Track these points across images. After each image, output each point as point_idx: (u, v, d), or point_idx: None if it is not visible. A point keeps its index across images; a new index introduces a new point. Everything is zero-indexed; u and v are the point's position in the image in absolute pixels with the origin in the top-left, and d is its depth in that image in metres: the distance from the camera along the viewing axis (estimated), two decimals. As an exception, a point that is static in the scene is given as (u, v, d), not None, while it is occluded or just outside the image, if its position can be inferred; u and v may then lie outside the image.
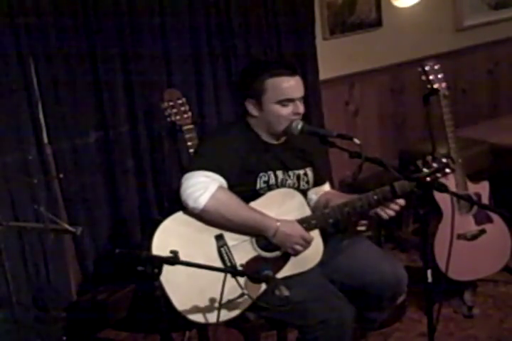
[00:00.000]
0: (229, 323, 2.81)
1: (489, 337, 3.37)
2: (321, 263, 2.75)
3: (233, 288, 2.38)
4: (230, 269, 2.43)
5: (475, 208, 3.48)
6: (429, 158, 2.70)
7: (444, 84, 3.42)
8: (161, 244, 2.55)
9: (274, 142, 2.76)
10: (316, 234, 2.72)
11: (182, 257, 2.28)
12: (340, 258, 2.80)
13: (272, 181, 2.73)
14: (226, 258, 2.60)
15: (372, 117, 4.70)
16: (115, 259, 2.20)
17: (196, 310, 2.55)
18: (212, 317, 2.56)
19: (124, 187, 3.69)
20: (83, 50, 3.48)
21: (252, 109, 2.68)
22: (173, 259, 2.20)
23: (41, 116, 3.44)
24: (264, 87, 2.62)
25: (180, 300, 2.54)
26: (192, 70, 3.82)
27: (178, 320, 2.55)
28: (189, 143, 3.16)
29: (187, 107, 3.20)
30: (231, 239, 2.63)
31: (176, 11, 3.68)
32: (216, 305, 2.50)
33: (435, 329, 2.59)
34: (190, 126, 3.18)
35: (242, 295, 2.49)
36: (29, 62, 3.35)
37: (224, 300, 2.44)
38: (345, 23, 4.40)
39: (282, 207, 2.68)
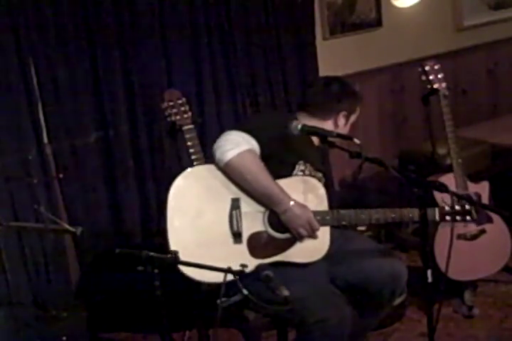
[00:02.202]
0: (229, 323, 2.81)
1: (489, 337, 3.37)
2: (326, 259, 2.77)
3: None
4: (231, 270, 2.43)
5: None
6: (455, 198, 2.73)
7: (444, 84, 3.42)
8: (182, 186, 2.63)
9: (315, 143, 2.90)
10: (325, 231, 2.73)
11: (194, 206, 2.51)
12: (340, 254, 2.81)
13: (307, 172, 2.80)
14: (234, 221, 2.64)
15: (372, 117, 4.70)
16: (115, 259, 2.20)
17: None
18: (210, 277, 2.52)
19: (124, 187, 3.69)
20: (83, 50, 3.48)
21: (340, 120, 2.92)
22: (173, 259, 2.20)
23: (41, 116, 3.44)
24: (356, 108, 2.97)
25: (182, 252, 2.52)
26: (192, 70, 3.82)
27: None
28: (189, 143, 3.16)
29: (187, 107, 3.20)
30: (246, 205, 2.67)
31: (176, 10, 3.68)
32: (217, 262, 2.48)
33: (435, 329, 2.59)
34: (190, 126, 3.17)
35: None
36: (29, 62, 3.35)
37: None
38: (345, 23, 4.40)
39: (304, 194, 2.71)
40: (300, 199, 2.69)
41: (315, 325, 2.59)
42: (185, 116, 3.18)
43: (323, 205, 2.75)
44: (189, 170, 2.67)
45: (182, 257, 2.50)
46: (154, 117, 3.67)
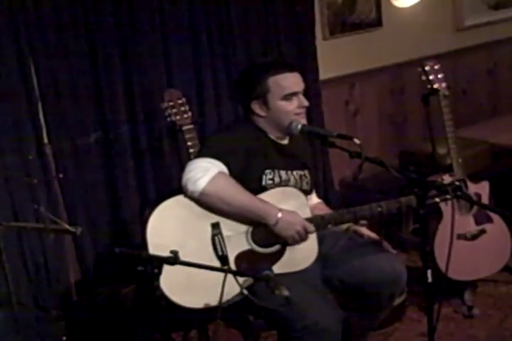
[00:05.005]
0: (229, 323, 2.81)
1: (489, 337, 3.37)
2: (321, 260, 2.76)
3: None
4: (231, 270, 2.43)
5: (475, 208, 3.48)
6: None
7: (444, 84, 3.43)
8: (157, 223, 2.55)
9: (281, 142, 2.81)
10: (313, 239, 2.71)
11: (175, 240, 2.38)
12: (339, 255, 2.80)
13: (277, 179, 2.75)
14: (218, 246, 2.60)
15: (372, 117, 4.70)
16: (115, 259, 2.20)
17: (184, 293, 2.55)
18: (197, 303, 2.54)
19: (124, 187, 3.68)
20: (83, 49, 3.48)
21: (259, 110, 2.74)
22: (173, 259, 2.20)
23: (41, 116, 3.44)
24: (268, 85, 2.70)
25: (168, 284, 2.50)
26: (192, 70, 3.82)
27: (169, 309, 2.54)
28: (189, 143, 3.16)
29: (187, 107, 3.20)
30: (227, 229, 2.63)
31: (176, 10, 3.68)
32: (204, 289, 2.50)
33: (435, 329, 2.59)
34: (190, 126, 3.18)
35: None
36: (29, 62, 3.35)
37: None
38: (345, 23, 4.41)
39: (284, 205, 2.67)
40: None
41: (303, 330, 2.55)
42: (185, 116, 3.19)
43: (306, 212, 2.71)
44: (159, 207, 2.58)
45: (173, 290, 2.52)
46: (154, 117, 3.67)
